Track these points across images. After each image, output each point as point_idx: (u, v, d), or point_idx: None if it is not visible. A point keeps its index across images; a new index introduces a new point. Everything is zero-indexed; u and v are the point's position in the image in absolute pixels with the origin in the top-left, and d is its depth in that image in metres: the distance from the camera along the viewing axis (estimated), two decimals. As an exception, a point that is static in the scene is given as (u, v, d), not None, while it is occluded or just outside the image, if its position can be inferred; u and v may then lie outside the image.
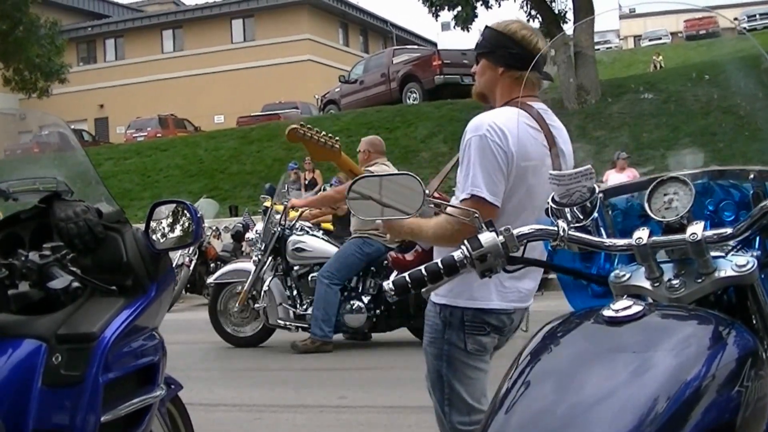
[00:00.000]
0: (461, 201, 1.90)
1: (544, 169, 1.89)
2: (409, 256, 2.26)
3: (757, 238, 1.11)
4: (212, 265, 9.60)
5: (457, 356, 2.01)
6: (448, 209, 1.32)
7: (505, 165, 1.89)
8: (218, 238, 10.15)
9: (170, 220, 1.92)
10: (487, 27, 2.06)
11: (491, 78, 2.02)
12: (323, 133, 2.23)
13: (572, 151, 1.97)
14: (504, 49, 1.98)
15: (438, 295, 1.97)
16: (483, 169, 1.88)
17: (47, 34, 22.24)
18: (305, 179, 12.01)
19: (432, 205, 1.39)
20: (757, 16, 28.24)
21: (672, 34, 34.93)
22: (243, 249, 10.38)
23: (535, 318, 1.59)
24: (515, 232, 1.16)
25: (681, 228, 1.08)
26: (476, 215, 1.20)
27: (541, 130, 1.93)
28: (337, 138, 2.23)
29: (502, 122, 1.91)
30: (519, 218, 1.89)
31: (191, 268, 9.04)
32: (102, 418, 1.64)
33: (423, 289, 1.21)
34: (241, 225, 10.28)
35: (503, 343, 2.10)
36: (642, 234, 1.08)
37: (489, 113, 1.96)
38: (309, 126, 2.27)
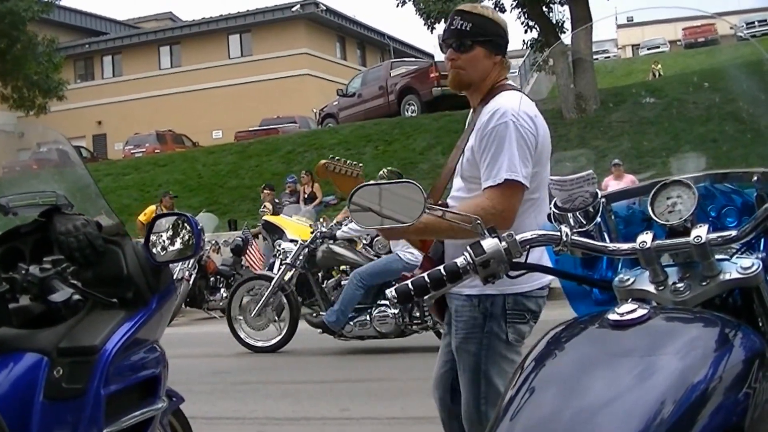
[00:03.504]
0: (491, 188, 1.88)
1: (548, 145, 1.94)
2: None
3: (762, 240, 1.11)
4: (212, 279, 9.58)
5: (497, 348, 1.98)
6: (448, 215, 1.32)
7: (533, 147, 1.91)
8: (218, 252, 10.13)
9: (170, 232, 1.91)
10: (472, 14, 2.01)
11: (487, 66, 2.01)
12: (348, 162, 2.21)
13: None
14: (499, 38, 2.02)
15: (477, 287, 1.92)
16: (518, 152, 1.88)
17: (45, 51, 22.31)
18: (305, 193, 12.01)
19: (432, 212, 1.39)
20: (756, 23, 28.43)
21: (670, 42, 35.08)
22: (243, 263, 10.37)
23: (540, 327, 1.58)
24: (518, 237, 1.16)
25: (685, 231, 1.08)
26: (478, 221, 1.20)
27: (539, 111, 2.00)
28: (361, 165, 2.22)
29: (524, 107, 1.93)
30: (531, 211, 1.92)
31: (191, 282, 9.02)
32: (104, 431, 1.63)
33: (426, 296, 1.20)
34: (240, 239, 10.27)
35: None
36: (646, 238, 1.08)
37: (504, 101, 1.94)
38: (337, 158, 2.25)
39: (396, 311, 6.00)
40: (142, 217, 10.85)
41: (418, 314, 5.98)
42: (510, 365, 1.98)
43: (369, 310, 6.06)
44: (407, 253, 5.90)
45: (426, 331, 6.04)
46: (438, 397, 2.19)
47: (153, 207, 11.47)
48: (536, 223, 1.92)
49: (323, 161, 2.23)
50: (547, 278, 2.00)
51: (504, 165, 1.88)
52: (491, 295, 1.97)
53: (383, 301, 6.02)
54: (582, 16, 13.90)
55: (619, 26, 40.30)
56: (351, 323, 6.08)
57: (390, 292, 1.22)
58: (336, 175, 2.19)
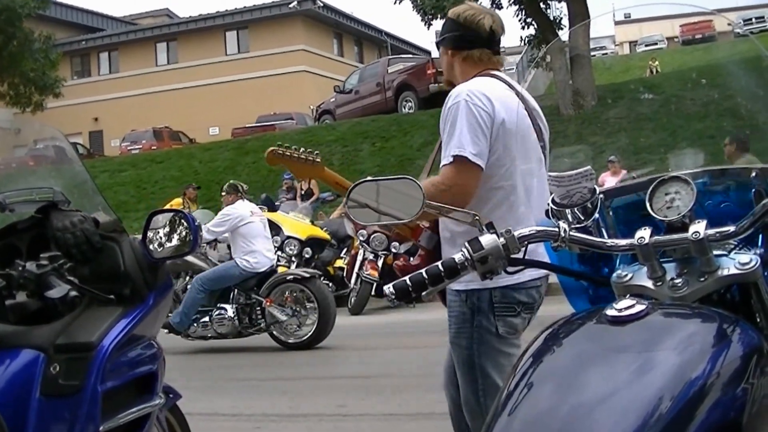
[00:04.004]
0: (443, 167, 1.93)
1: (527, 134, 1.96)
2: (414, 261, 2.25)
3: (760, 236, 1.11)
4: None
5: (489, 342, 1.98)
6: (446, 210, 1.31)
7: (488, 126, 1.93)
8: (214, 249, 10.11)
9: (167, 229, 1.91)
10: (445, 18, 2.18)
11: (446, 62, 2.14)
12: (302, 149, 2.22)
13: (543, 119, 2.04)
14: (451, 33, 2.09)
15: (463, 282, 1.89)
16: (467, 129, 1.92)
17: (41, 48, 22.23)
18: (301, 189, 12.00)
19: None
20: (753, 20, 28.46)
21: (668, 39, 35.05)
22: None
23: (538, 323, 1.58)
24: (516, 233, 1.16)
25: (683, 227, 1.08)
26: (476, 217, 1.20)
27: (512, 90, 2.02)
28: (317, 152, 2.21)
29: (480, 87, 1.97)
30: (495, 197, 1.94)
31: (187, 279, 9.00)
32: (101, 428, 1.63)
33: (424, 292, 1.20)
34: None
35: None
36: (644, 234, 1.08)
37: (464, 83, 2.01)
38: (287, 145, 2.25)
39: (233, 314, 6.41)
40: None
41: (254, 317, 6.42)
42: (506, 357, 1.98)
43: (210, 313, 6.44)
44: (244, 260, 6.33)
45: (260, 333, 6.43)
46: (446, 389, 2.20)
47: (178, 200, 11.35)
48: (513, 217, 1.92)
49: (271, 147, 2.24)
50: (542, 271, 1.99)
51: (453, 142, 1.93)
52: (477, 290, 1.96)
53: (223, 305, 6.44)
54: (579, 13, 13.89)
55: (617, 23, 40.29)
56: (195, 324, 6.46)
57: (388, 288, 1.22)
58: (289, 160, 2.18)
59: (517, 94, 2.02)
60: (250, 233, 6.43)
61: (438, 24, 16.65)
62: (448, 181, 1.91)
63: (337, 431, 3.96)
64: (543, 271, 1.97)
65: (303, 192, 11.90)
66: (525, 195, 1.98)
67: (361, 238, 8.21)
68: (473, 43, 2.04)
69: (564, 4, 15.39)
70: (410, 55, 25.48)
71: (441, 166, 1.96)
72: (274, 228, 9.09)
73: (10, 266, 1.76)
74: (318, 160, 2.18)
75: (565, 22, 15.68)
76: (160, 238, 1.89)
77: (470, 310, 1.99)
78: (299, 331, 6.37)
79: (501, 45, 2.13)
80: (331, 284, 9.23)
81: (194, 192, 11.99)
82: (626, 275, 1.12)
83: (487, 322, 1.97)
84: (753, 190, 1.15)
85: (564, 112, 12.70)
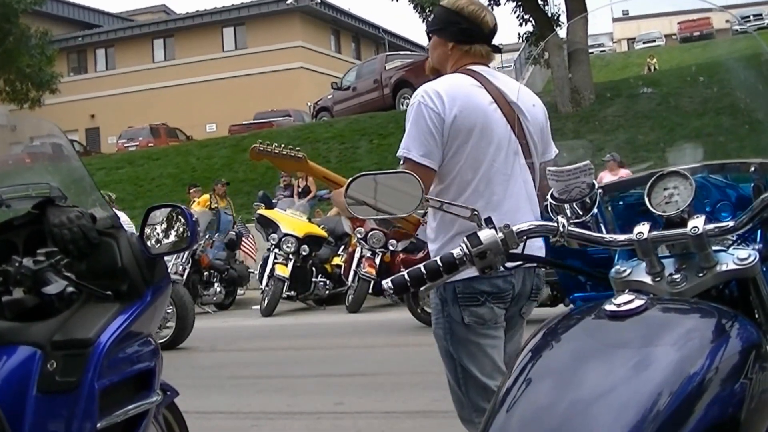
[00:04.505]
0: (400, 166, 1.98)
1: (492, 128, 1.99)
2: (419, 255, 2.28)
3: (759, 231, 1.11)
4: (205, 273, 9.55)
5: (458, 332, 2.03)
6: (446, 206, 1.31)
7: (436, 126, 1.97)
8: (211, 247, 10.10)
9: (165, 225, 1.90)
10: (438, 6, 2.18)
11: (442, 53, 2.14)
12: (283, 145, 2.27)
13: (536, 107, 2.06)
14: (454, 25, 2.09)
15: None
16: (415, 131, 1.99)
17: (38, 44, 22.16)
18: (299, 187, 11.98)
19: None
20: (751, 17, 28.48)
21: (666, 36, 35.02)
22: (237, 257, 10.34)
23: (537, 319, 1.58)
24: (514, 228, 1.15)
25: (682, 222, 1.08)
26: (475, 212, 1.20)
27: (482, 86, 2.03)
28: (298, 148, 2.26)
29: (438, 87, 2.01)
30: (468, 188, 1.98)
31: (184, 276, 8.99)
32: (98, 425, 1.62)
33: (422, 287, 1.20)
34: (234, 233, 10.24)
35: (525, 309, 2.10)
36: (643, 229, 1.08)
37: (430, 81, 2.06)
38: (268, 142, 2.30)
39: None
40: (196, 207, 10.53)
41: None
42: (476, 347, 2.02)
43: None
44: None
45: None
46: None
47: (206, 196, 11.27)
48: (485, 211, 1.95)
49: (253, 144, 2.29)
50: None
51: (402, 144, 2.00)
52: (445, 282, 2.01)
53: None
54: (577, 9, 13.85)
55: (615, 20, 40.24)
56: None
57: (386, 283, 1.21)
58: (272, 156, 2.22)
59: (495, 89, 2.03)
60: None
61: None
62: None
63: (335, 429, 3.96)
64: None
65: (300, 189, 11.88)
66: (488, 189, 2.00)
67: (359, 236, 8.20)
68: (476, 38, 2.07)
69: (562, 1, 15.38)
70: (408, 52, 25.45)
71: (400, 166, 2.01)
72: (271, 225, 9.09)
73: (7, 262, 1.75)
74: (300, 155, 2.22)
75: (563, 19, 15.66)
76: (158, 234, 1.89)
77: (441, 301, 2.05)
78: (159, 333, 6.45)
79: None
80: (328, 282, 9.26)
81: (223, 188, 11.85)
82: (625, 270, 1.12)
83: (454, 312, 2.02)
84: (752, 185, 1.15)
85: (562, 109, 12.70)
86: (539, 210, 2.00)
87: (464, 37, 2.08)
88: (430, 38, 2.19)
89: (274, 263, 8.70)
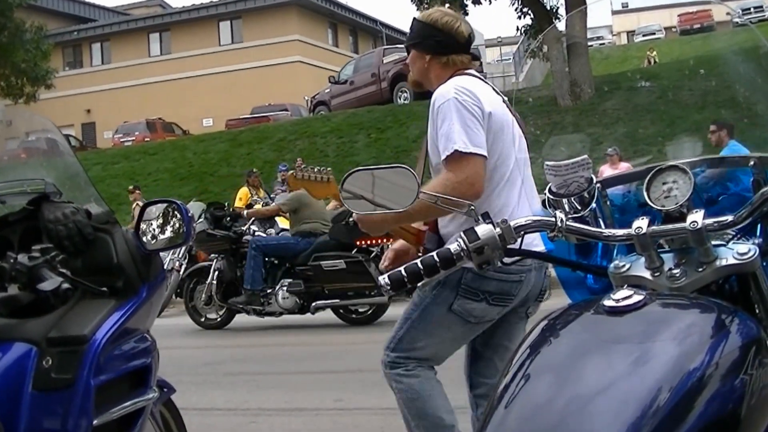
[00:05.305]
0: (446, 163, 1.98)
1: (511, 126, 2.05)
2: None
3: (758, 226, 1.11)
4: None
5: (436, 311, 2.07)
6: (441, 201, 1.30)
7: (481, 118, 1.99)
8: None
9: (161, 220, 1.89)
10: (414, 19, 2.22)
11: (421, 66, 2.17)
12: (316, 169, 2.27)
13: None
14: (430, 38, 2.13)
15: None
16: (462, 124, 1.97)
17: (33, 38, 22.05)
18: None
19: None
20: (752, 10, 28.45)
21: (666, 28, 35.00)
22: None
23: (537, 316, 1.58)
24: (512, 223, 1.15)
25: (681, 217, 1.07)
26: (472, 207, 1.19)
27: (489, 87, 2.11)
28: (329, 168, 2.26)
29: (464, 84, 2.04)
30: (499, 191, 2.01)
31: (181, 272, 8.97)
32: (94, 422, 1.61)
33: (419, 283, 1.19)
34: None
35: (532, 309, 2.12)
36: (641, 223, 1.07)
37: (446, 83, 2.07)
38: (303, 167, 2.31)
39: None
40: (238, 203, 10.38)
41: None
42: (445, 331, 2.08)
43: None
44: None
45: None
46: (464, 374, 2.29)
47: (245, 189, 11.17)
48: (509, 205, 2.03)
49: (291, 171, 2.30)
50: (525, 270, 2.03)
51: (453, 137, 1.97)
52: None
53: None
54: (576, 1, 13.83)
55: (614, 12, 40.20)
56: None
57: (383, 278, 1.20)
58: (309, 183, 2.22)
59: (494, 89, 2.12)
60: None
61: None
62: (462, 173, 1.95)
63: (334, 425, 3.95)
64: (526, 270, 2.01)
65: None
66: (521, 183, 2.05)
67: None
68: (452, 48, 2.11)
69: (560, -6, 15.35)
70: (405, 46, 25.37)
71: (444, 161, 1.99)
72: (269, 220, 9.07)
73: (2, 259, 1.74)
74: (330, 178, 2.21)
75: (562, 11, 15.62)
76: (154, 229, 1.87)
77: (437, 281, 2.07)
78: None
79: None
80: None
81: (257, 179, 11.77)
82: (624, 265, 1.11)
83: (449, 294, 2.04)
84: (751, 179, 1.14)
85: (561, 102, 12.69)
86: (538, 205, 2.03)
87: (441, 48, 2.13)
88: (408, 52, 2.22)
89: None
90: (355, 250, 6.58)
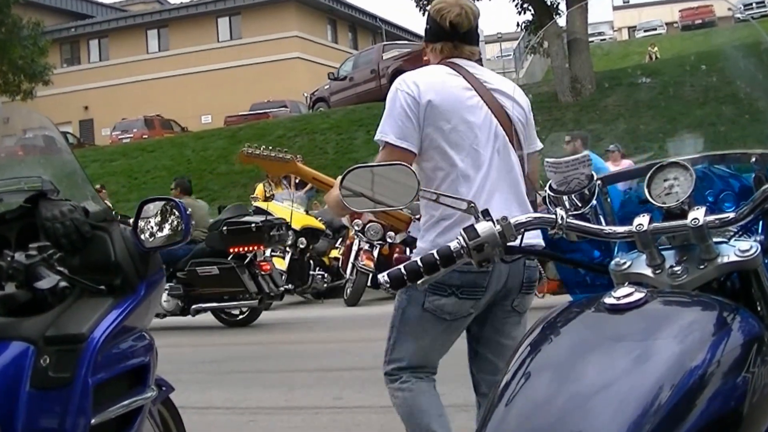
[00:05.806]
0: (380, 152, 2.06)
1: (472, 113, 2.06)
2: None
3: (760, 223, 1.10)
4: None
5: (408, 312, 2.12)
6: (441, 198, 1.30)
7: (412, 109, 2.04)
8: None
9: (159, 218, 1.88)
10: None
11: (426, 55, 2.25)
12: (272, 147, 2.30)
13: (517, 97, 2.15)
14: (426, 27, 2.22)
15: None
16: (390, 116, 2.06)
17: (30, 35, 22.02)
18: (296, 179, 11.92)
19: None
20: (753, 5, 28.39)
21: (667, 24, 34.94)
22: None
23: (536, 314, 1.57)
24: (512, 221, 1.14)
25: (682, 214, 1.06)
26: (472, 205, 1.18)
27: (459, 74, 2.11)
28: (286, 150, 2.29)
29: (414, 75, 2.11)
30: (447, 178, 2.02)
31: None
32: (92, 421, 1.61)
33: (419, 281, 1.18)
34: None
35: (518, 303, 2.11)
36: (642, 220, 1.06)
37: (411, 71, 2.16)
38: (257, 145, 2.33)
39: None
40: (258, 192, 10.38)
41: None
42: (422, 330, 2.11)
43: None
44: None
45: None
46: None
47: (261, 186, 11.14)
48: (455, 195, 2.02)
49: (242, 149, 2.33)
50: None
51: (379, 128, 2.08)
52: None
53: None
54: (577, -2, 13.80)
55: (615, 8, 40.13)
56: None
57: (382, 276, 1.20)
58: (262, 160, 2.24)
59: (473, 78, 2.11)
60: None
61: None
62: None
63: (333, 424, 3.94)
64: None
65: (297, 181, 11.85)
66: (473, 173, 2.04)
67: (356, 228, 8.18)
68: (440, 36, 2.16)
69: (560, -11, 15.32)
70: (405, 42, 25.35)
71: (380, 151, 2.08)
72: (268, 217, 9.06)
73: (-1, 257, 1.73)
74: (288, 157, 2.24)
75: (563, 7, 15.60)
76: (152, 227, 1.87)
77: None
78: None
79: (476, 33, 2.22)
80: (326, 275, 9.23)
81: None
82: (625, 263, 1.11)
83: (419, 294, 2.08)
84: (753, 176, 1.14)
85: (562, 98, 12.68)
86: (524, 195, 2.06)
87: (430, 36, 2.20)
88: None
89: (271, 256, 8.68)
90: (231, 257, 7.02)
